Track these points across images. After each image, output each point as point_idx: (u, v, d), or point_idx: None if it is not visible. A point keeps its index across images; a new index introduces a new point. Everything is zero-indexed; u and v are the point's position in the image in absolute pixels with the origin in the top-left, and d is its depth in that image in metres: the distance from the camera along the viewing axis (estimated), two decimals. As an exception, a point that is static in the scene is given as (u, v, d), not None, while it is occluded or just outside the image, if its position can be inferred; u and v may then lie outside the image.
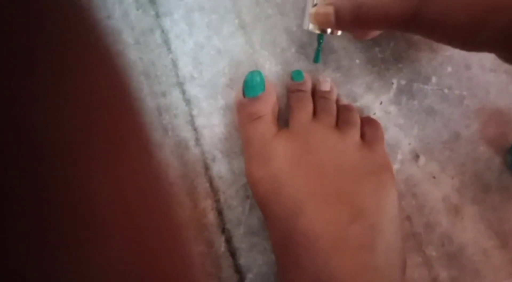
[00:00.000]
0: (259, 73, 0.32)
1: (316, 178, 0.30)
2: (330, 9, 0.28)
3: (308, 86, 0.33)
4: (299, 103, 0.32)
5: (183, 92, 0.34)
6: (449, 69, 0.34)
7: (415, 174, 0.34)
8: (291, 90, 0.33)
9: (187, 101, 0.34)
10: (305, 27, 0.31)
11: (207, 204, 0.33)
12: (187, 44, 0.35)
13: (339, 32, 0.31)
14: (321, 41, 0.32)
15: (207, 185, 0.33)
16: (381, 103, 0.34)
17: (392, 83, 0.34)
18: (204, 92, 0.34)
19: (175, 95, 0.34)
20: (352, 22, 0.28)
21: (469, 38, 0.25)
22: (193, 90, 0.34)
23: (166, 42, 0.35)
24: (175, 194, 0.16)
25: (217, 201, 0.33)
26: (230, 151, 0.34)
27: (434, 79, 0.34)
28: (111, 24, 0.35)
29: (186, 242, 0.15)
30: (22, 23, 0.10)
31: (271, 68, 0.34)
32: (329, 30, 0.31)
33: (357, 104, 0.34)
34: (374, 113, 0.34)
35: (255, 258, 0.33)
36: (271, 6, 0.35)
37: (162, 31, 0.35)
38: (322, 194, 0.30)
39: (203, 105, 0.34)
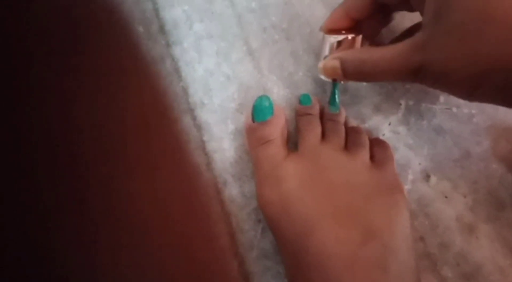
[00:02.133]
0: (268, 98, 0.34)
1: (327, 198, 0.31)
2: (337, 63, 0.30)
3: (316, 109, 0.35)
4: (308, 126, 0.34)
5: (194, 118, 0.36)
6: (457, 87, 0.35)
7: (427, 194, 0.34)
8: (300, 113, 0.35)
9: (198, 127, 0.35)
10: (319, 76, 0.33)
11: (219, 228, 0.34)
12: (197, 71, 0.36)
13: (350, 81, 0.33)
14: (335, 87, 0.33)
15: (219, 209, 0.34)
16: (389, 124, 0.35)
17: (400, 104, 0.36)
18: (215, 117, 0.36)
19: (186, 122, 0.35)
20: (357, 75, 0.29)
21: (469, 92, 0.26)
22: (203, 116, 0.36)
23: (177, 70, 0.36)
24: (208, 201, 0.16)
25: (229, 225, 0.34)
26: (241, 175, 0.35)
27: (442, 98, 0.35)
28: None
29: (222, 250, 0.16)
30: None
31: (279, 92, 0.36)
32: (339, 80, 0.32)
33: (366, 125, 0.35)
34: (384, 134, 0.35)
35: (267, 281, 0.34)
36: (277, 32, 0.37)
37: (173, 59, 0.37)
38: (333, 215, 0.30)
39: (213, 131, 0.35)
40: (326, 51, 0.32)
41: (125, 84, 0.13)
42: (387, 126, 0.35)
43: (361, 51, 0.30)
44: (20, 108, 0.11)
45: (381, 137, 0.35)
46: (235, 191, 0.35)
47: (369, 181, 0.32)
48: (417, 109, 0.35)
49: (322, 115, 0.35)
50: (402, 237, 0.31)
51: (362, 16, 0.32)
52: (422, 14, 0.28)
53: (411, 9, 0.30)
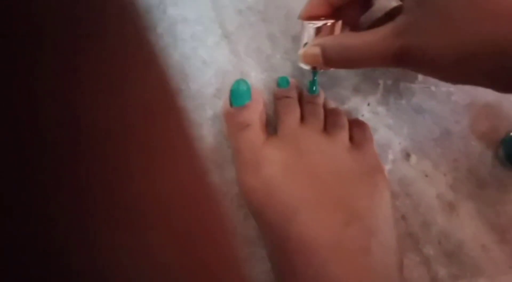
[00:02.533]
0: (245, 82, 0.33)
1: (308, 182, 0.31)
2: (317, 50, 0.29)
3: (294, 92, 0.34)
4: (287, 109, 0.33)
5: (171, 105, 0.35)
6: (435, 66, 0.35)
7: (408, 173, 0.34)
8: (278, 97, 0.34)
9: (176, 114, 0.35)
10: (298, 64, 0.32)
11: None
12: (173, 57, 0.36)
13: (329, 69, 0.32)
14: (315, 76, 0.33)
15: (200, 196, 0.34)
16: (368, 104, 0.35)
17: (379, 84, 0.35)
18: (192, 103, 0.35)
19: (163, 109, 0.35)
20: (338, 62, 0.29)
21: (454, 76, 0.26)
22: (181, 102, 0.35)
23: (152, 56, 0.36)
24: (219, 200, 0.16)
25: (211, 211, 0.34)
26: (222, 161, 0.35)
27: (420, 77, 0.35)
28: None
29: (233, 249, 0.16)
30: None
31: (257, 76, 0.35)
32: (319, 68, 0.32)
33: (345, 107, 0.35)
34: (363, 115, 0.35)
35: (252, 267, 0.34)
36: (253, 14, 0.36)
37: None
38: (315, 198, 0.30)
39: (191, 117, 0.35)
40: (306, 38, 0.31)
41: (126, 79, 0.13)
42: (366, 107, 0.35)
43: (342, 37, 0.30)
44: (20, 106, 0.10)
45: (360, 118, 0.35)
46: (216, 178, 0.34)
47: (350, 163, 0.32)
48: (395, 89, 0.35)
49: (300, 98, 0.34)
50: (383, 218, 0.31)
51: (341, 2, 0.31)
52: None
53: None
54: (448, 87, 0.35)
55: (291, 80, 0.34)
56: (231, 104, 0.33)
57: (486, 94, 0.35)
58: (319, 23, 0.31)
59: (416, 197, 0.34)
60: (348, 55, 0.28)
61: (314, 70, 0.33)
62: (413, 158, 0.35)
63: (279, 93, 0.34)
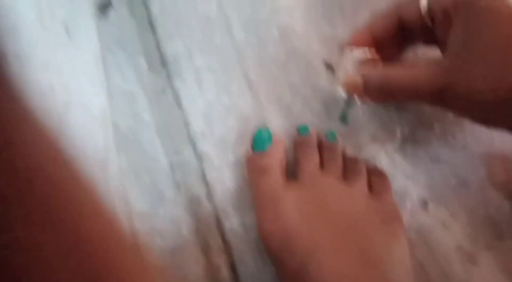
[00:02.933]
0: (267, 130, 0.35)
1: (327, 229, 0.32)
2: (359, 80, 0.31)
3: (314, 139, 0.35)
4: (306, 156, 0.35)
5: (195, 149, 0.37)
6: (451, 116, 0.36)
7: (426, 222, 0.35)
8: (297, 143, 0.36)
9: (199, 158, 0.36)
10: (335, 89, 0.34)
11: (221, 259, 0.35)
12: (198, 103, 0.37)
13: (367, 100, 0.33)
14: (349, 105, 0.34)
15: (220, 240, 0.35)
16: (386, 152, 0.36)
17: (396, 132, 0.37)
18: (215, 148, 0.37)
19: (187, 153, 0.36)
20: (380, 93, 0.30)
21: (489, 116, 0.28)
22: (204, 147, 0.37)
23: (178, 101, 0.38)
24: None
25: (230, 256, 0.35)
26: (242, 205, 0.36)
27: (436, 126, 0.36)
28: (125, 87, 0.38)
29: None
30: None
31: (278, 123, 0.37)
32: (356, 98, 0.33)
33: (363, 154, 0.36)
34: (380, 162, 0.36)
35: (270, 312, 0.34)
36: (275, 64, 0.38)
37: (174, 91, 0.38)
38: (332, 244, 0.31)
39: (214, 161, 0.36)
40: (347, 66, 0.32)
41: None
42: (383, 155, 0.36)
43: (385, 68, 0.31)
44: None
45: (378, 165, 0.36)
46: (235, 222, 0.35)
47: (368, 211, 0.33)
48: (412, 137, 0.36)
49: (320, 145, 0.35)
50: (401, 266, 0.31)
51: (385, 37, 0.33)
52: (442, 40, 0.29)
53: (431, 39, 0.32)
54: (465, 138, 0.36)
55: (310, 128, 0.36)
56: (252, 150, 0.35)
57: (503, 145, 0.36)
58: (363, 53, 0.32)
59: (435, 246, 0.34)
60: (390, 86, 0.29)
61: (350, 99, 0.33)
62: (431, 207, 0.35)
63: (299, 140, 0.36)
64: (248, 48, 0.38)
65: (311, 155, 0.35)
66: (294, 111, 0.37)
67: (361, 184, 0.34)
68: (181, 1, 0.40)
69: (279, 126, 0.37)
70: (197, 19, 0.39)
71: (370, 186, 0.34)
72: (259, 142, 0.35)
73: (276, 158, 0.34)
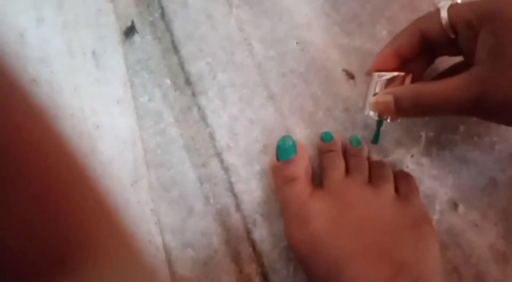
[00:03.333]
0: (291, 137, 0.36)
1: (355, 235, 0.32)
2: (390, 98, 0.31)
3: (339, 146, 0.36)
4: (331, 163, 0.35)
5: (221, 161, 0.38)
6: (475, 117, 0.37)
7: (456, 224, 0.35)
8: (322, 151, 0.36)
9: (226, 170, 0.37)
10: (365, 113, 0.34)
11: (252, 268, 0.35)
12: (222, 118, 0.39)
13: (398, 119, 0.34)
14: (380, 126, 0.35)
15: (250, 249, 0.36)
16: (412, 156, 0.37)
17: (421, 136, 0.37)
18: (241, 160, 0.38)
19: (214, 165, 0.38)
20: (412, 110, 0.31)
21: None
22: (230, 159, 0.38)
23: (203, 117, 0.39)
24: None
25: (261, 265, 0.35)
26: (270, 214, 0.36)
27: (462, 128, 0.36)
28: (152, 106, 0.40)
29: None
30: None
31: (301, 132, 0.38)
32: (388, 118, 0.33)
33: (389, 159, 0.37)
34: (407, 167, 0.36)
35: (303, 320, 0.34)
36: (295, 76, 0.39)
37: (199, 108, 0.39)
38: (362, 251, 0.31)
39: (240, 172, 0.37)
40: (377, 88, 0.33)
41: None
42: (410, 159, 0.36)
43: (416, 85, 0.31)
44: None
45: (405, 169, 0.36)
46: (265, 231, 0.36)
47: (396, 215, 0.33)
48: (438, 140, 0.36)
49: (344, 152, 0.36)
50: (431, 270, 0.31)
51: (410, 55, 0.33)
52: (468, 51, 0.30)
53: (456, 50, 0.32)
54: (491, 137, 0.36)
55: (334, 135, 0.36)
56: (277, 159, 0.35)
57: (530, 143, 0.36)
58: (392, 74, 0.33)
59: (467, 248, 0.34)
60: (422, 102, 0.30)
61: (380, 119, 0.34)
62: (461, 208, 0.35)
63: (324, 147, 0.36)
64: (269, 63, 0.40)
65: (337, 161, 0.35)
66: (316, 120, 0.38)
67: (388, 188, 0.34)
68: (203, 23, 0.42)
69: (302, 136, 0.38)
70: (218, 38, 0.41)
71: (397, 190, 0.34)
72: (284, 151, 0.35)
73: (301, 166, 0.35)
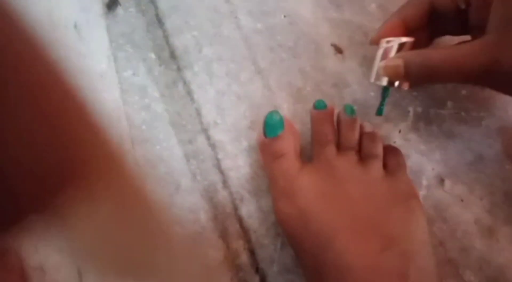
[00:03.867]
0: (277, 112, 0.35)
1: (343, 210, 0.32)
2: (400, 62, 0.31)
3: (331, 114, 0.35)
4: (323, 137, 0.34)
5: (208, 138, 0.37)
6: (464, 92, 0.37)
7: (443, 198, 0.35)
8: (314, 118, 0.35)
9: (213, 146, 0.37)
10: (371, 80, 0.34)
11: (239, 244, 0.35)
12: (209, 93, 0.38)
13: (406, 86, 0.33)
14: (386, 94, 0.34)
15: (238, 225, 0.36)
16: (400, 131, 0.37)
17: (409, 111, 0.37)
18: (228, 136, 0.37)
19: (201, 142, 0.37)
20: (421, 75, 0.30)
21: None
22: (217, 135, 0.37)
23: (189, 93, 0.38)
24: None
25: (248, 240, 0.35)
26: (258, 190, 0.36)
27: (449, 103, 0.37)
28: (137, 81, 0.39)
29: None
30: None
31: (290, 108, 0.38)
32: (396, 83, 0.33)
33: (377, 134, 0.37)
34: (395, 142, 0.36)
35: (291, 295, 0.34)
36: (284, 50, 0.39)
37: (185, 83, 0.39)
38: (350, 226, 0.31)
39: (228, 149, 0.37)
40: (388, 54, 0.32)
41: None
42: (397, 134, 0.37)
43: (426, 50, 0.31)
44: None
45: (392, 145, 0.36)
46: (252, 207, 0.36)
47: (384, 191, 0.33)
48: (425, 115, 0.36)
49: (337, 120, 0.35)
50: (420, 243, 0.32)
51: (417, 26, 0.33)
52: (478, 23, 0.30)
53: (460, 26, 0.32)
54: (479, 112, 0.36)
55: (328, 104, 0.35)
56: (265, 135, 0.35)
57: (517, 118, 0.36)
58: (403, 39, 0.32)
59: (453, 222, 0.35)
60: (432, 67, 0.29)
61: (388, 86, 0.33)
62: (447, 183, 0.35)
63: (316, 114, 0.35)
64: (257, 36, 0.39)
65: (328, 135, 0.34)
66: (305, 95, 0.38)
67: (377, 165, 0.34)
68: (187, -6, 0.41)
69: (290, 111, 0.38)
70: (204, 11, 0.40)
71: (385, 165, 0.34)
72: (271, 127, 0.35)
73: (289, 142, 0.35)
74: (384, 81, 0.33)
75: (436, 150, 0.36)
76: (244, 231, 0.36)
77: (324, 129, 0.35)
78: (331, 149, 0.34)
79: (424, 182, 0.36)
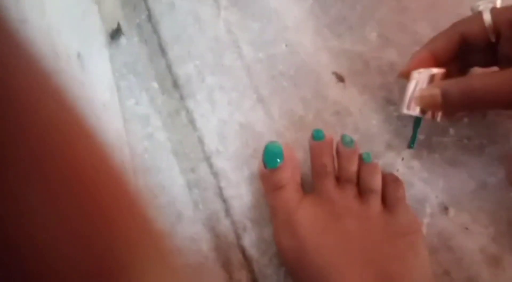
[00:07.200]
0: (276, 144, 0.35)
1: (341, 246, 0.33)
2: (437, 91, 0.32)
3: (330, 144, 0.35)
4: (322, 169, 0.35)
5: (211, 166, 0.39)
6: (466, 119, 0.38)
7: (447, 227, 0.36)
8: (313, 149, 0.36)
9: (215, 174, 0.38)
10: (403, 111, 0.35)
11: (242, 274, 0.36)
12: (211, 121, 0.40)
13: (439, 117, 0.34)
14: (418, 125, 0.36)
15: (240, 255, 0.36)
16: (402, 159, 0.38)
17: (411, 139, 0.38)
18: (230, 164, 0.38)
19: (203, 170, 0.38)
20: (461, 103, 0.31)
21: None
22: (219, 163, 0.39)
23: (192, 121, 0.40)
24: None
25: (251, 271, 0.36)
26: (260, 219, 0.37)
27: (451, 131, 0.38)
28: (139, 110, 0.41)
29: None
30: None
31: (291, 136, 0.39)
32: (429, 114, 0.34)
33: (379, 162, 0.38)
34: (398, 170, 0.38)
35: (295, 326, 0.35)
36: (285, 79, 0.40)
37: (187, 111, 0.40)
38: (348, 262, 0.32)
39: (230, 177, 0.38)
40: (418, 85, 0.33)
41: None
42: (400, 162, 0.38)
43: (466, 78, 0.32)
44: None
45: (395, 173, 0.37)
46: (255, 236, 0.37)
47: (383, 227, 0.34)
48: (428, 143, 0.38)
49: (337, 151, 0.36)
50: (420, 277, 0.32)
51: (446, 59, 0.34)
52: (509, 55, 0.31)
53: (490, 58, 0.33)
54: (481, 140, 0.37)
55: (326, 134, 0.36)
56: (265, 166, 0.35)
57: (520, 145, 0.37)
58: (435, 70, 0.33)
59: (458, 251, 0.35)
60: (473, 95, 0.30)
61: (421, 116, 0.34)
62: (451, 211, 0.36)
63: (314, 146, 0.36)
64: (258, 65, 0.41)
65: (327, 167, 0.35)
66: (307, 123, 0.39)
67: (376, 201, 0.34)
68: (190, 25, 0.43)
69: (292, 139, 0.39)
70: (206, 41, 0.42)
71: (384, 199, 0.35)
72: (270, 159, 0.35)
73: (289, 173, 0.35)
74: (417, 111, 0.34)
75: (440, 177, 0.37)
76: (247, 261, 0.36)
77: (323, 160, 0.35)
78: (330, 181, 0.35)
79: (428, 210, 0.36)
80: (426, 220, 0.36)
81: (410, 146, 0.36)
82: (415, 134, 0.36)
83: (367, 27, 0.41)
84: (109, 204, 0.15)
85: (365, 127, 0.39)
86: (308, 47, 0.41)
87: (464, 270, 0.35)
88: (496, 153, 0.37)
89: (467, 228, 0.36)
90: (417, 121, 0.36)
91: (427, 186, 0.37)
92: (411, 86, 0.34)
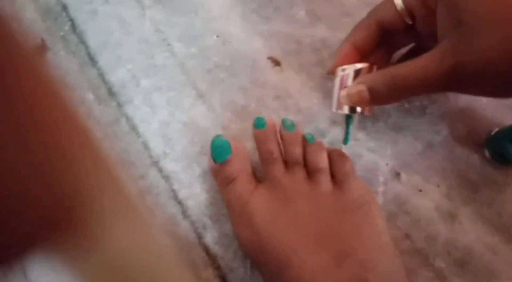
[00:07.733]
0: (222, 137, 0.35)
1: (296, 229, 0.33)
2: (363, 87, 0.32)
3: (273, 131, 0.36)
4: (268, 156, 0.35)
5: (160, 170, 0.38)
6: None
7: (401, 191, 0.37)
8: (257, 138, 0.36)
9: (166, 178, 0.38)
10: (333, 110, 0.35)
11: (209, 272, 0.36)
12: (153, 125, 0.39)
13: (367, 111, 0.34)
14: (350, 122, 0.35)
15: (204, 254, 0.36)
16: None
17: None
18: (180, 165, 0.38)
19: (153, 175, 0.38)
20: (389, 94, 0.31)
21: (507, 84, 0.28)
22: (169, 166, 0.38)
23: (133, 128, 0.39)
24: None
25: (217, 267, 0.36)
26: (219, 215, 0.37)
27: (391, 97, 0.38)
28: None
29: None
30: None
31: (237, 127, 0.39)
32: (358, 109, 0.34)
33: (326, 139, 0.38)
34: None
35: (269, 315, 0.35)
36: (221, 71, 0.40)
37: (127, 118, 0.39)
38: (304, 244, 0.32)
39: (182, 178, 0.38)
40: (344, 83, 0.33)
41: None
42: (346, 136, 0.38)
43: (387, 69, 0.32)
44: None
45: (340, 149, 0.37)
46: (216, 233, 0.37)
47: (334, 203, 0.34)
48: (371, 113, 0.38)
49: (280, 136, 0.36)
50: (378, 248, 0.33)
51: (369, 48, 0.34)
52: (427, 33, 0.31)
53: (413, 37, 0.33)
54: (421, 101, 0.38)
55: (267, 119, 0.36)
56: (214, 161, 0.35)
57: (457, 101, 0.38)
58: (358, 66, 0.33)
59: (415, 213, 0.36)
60: (399, 84, 0.30)
61: (352, 113, 0.34)
62: (403, 176, 0.37)
63: (258, 134, 0.36)
64: (192, 61, 0.40)
65: (273, 153, 0.35)
66: (250, 112, 0.39)
67: (324, 179, 0.35)
68: (116, 29, 0.41)
69: (238, 130, 0.39)
70: (135, 43, 0.41)
71: (333, 176, 0.35)
72: (218, 153, 0.35)
73: (239, 165, 0.35)
74: (346, 110, 0.34)
75: (387, 144, 0.38)
76: (212, 259, 0.36)
77: (268, 147, 0.35)
78: (278, 166, 0.35)
79: (381, 178, 0.37)
80: (380, 189, 0.37)
81: (344, 142, 0.36)
82: (348, 131, 0.36)
83: (294, 6, 0.40)
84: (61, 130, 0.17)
85: (307, 107, 0.39)
86: (239, 34, 0.40)
87: (423, 231, 0.36)
88: (437, 112, 0.38)
89: (420, 190, 0.37)
90: (348, 118, 0.36)
91: (376, 155, 0.38)
92: (336, 85, 0.35)
